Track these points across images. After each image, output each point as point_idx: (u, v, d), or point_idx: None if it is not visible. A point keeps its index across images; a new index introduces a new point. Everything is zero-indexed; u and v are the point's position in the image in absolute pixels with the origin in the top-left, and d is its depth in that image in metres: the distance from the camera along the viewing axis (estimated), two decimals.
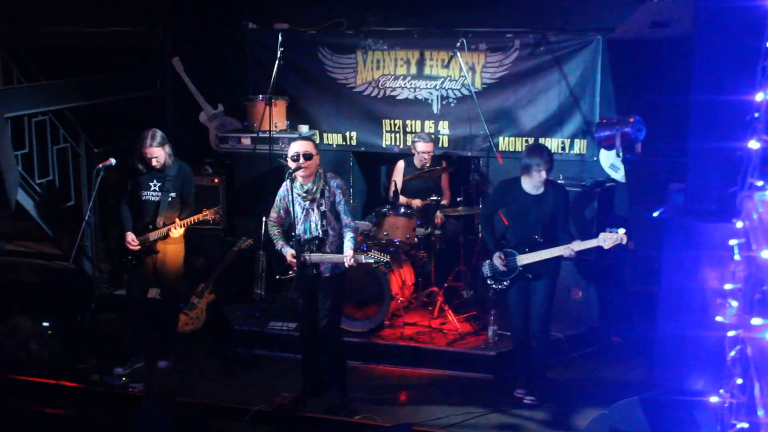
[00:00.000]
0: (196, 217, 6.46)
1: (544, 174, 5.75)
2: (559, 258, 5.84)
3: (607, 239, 5.62)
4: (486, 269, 6.07)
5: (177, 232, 6.41)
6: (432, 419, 5.73)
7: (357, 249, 6.91)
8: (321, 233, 5.66)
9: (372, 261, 5.63)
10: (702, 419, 4.04)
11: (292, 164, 5.62)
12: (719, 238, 4.24)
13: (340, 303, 5.89)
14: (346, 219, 5.71)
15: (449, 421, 5.71)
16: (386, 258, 5.67)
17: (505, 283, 5.96)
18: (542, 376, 6.08)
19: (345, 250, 5.61)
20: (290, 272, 5.90)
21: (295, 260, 5.64)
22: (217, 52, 8.53)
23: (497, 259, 5.94)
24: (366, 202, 8.63)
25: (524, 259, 5.84)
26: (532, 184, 5.83)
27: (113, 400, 5.99)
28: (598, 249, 6.76)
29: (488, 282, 6.09)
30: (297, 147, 5.65)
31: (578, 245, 5.71)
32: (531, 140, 7.66)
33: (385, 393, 6.29)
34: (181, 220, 6.44)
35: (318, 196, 5.66)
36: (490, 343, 6.69)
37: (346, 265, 5.61)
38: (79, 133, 8.22)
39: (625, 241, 5.63)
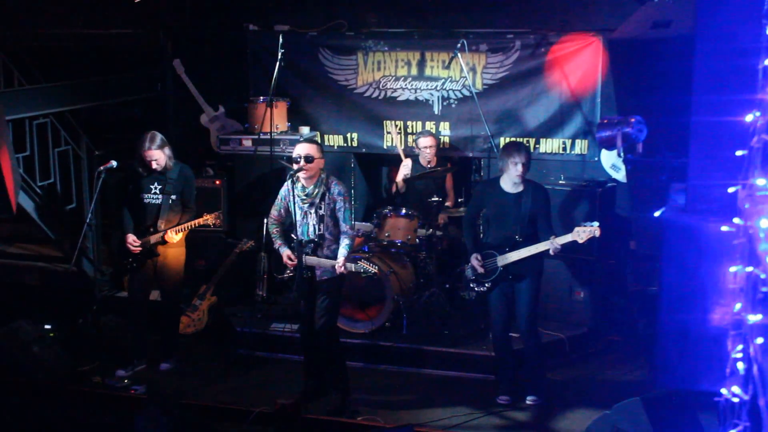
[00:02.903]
0: (196, 221, 6.47)
1: (520, 168, 5.69)
2: (541, 258, 5.79)
3: (581, 233, 5.56)
4: (469, 272, 6.05)
5: (175, 237, 6.41)
6: (434, 420, 5.73)
7: (359, 250, 6.94)
8: (317, 237, 5.67)
9: (361, 271, 5.70)
10: (704, 419, 4.04)
11: (294, 165, 5.65)
12: (720, 238, 4.24)
13: (337, 304, 5.89)
14: (344, 226, 5.70)
15: (451, 422, 5.70)
16: (374, 269, 5.76)
17: (486, 285, 5.93)
18: (542, 376, 6.06)
19: (338, 257, 5.62)
20: (287, 272, 5.93)
21: (290, 261, 5.68)
22: (218, 54, 8.53)
23: (474, 261, 5.91)
24: (367, 203, 8.62)
25: (504, 259, 5.82)
26: (510, 181, 5.80)
27: (115, 403, 5.99)
28: (599, 249, 6.78)
29: (471, 285, 6.07)
30: (299, 149, 5.69)
31: (560, 239, 5.63)
32: (532, 141, 7.65)
33: (387, 394, 6.28)
34: (182, 223, 6.44)
35: (318, 200, 5.67)
36: (491, 344, 6.67)
37: (337, 272, 5.62)
38: (81, 136, 8.23)
39: (598, 234, 5.57)
